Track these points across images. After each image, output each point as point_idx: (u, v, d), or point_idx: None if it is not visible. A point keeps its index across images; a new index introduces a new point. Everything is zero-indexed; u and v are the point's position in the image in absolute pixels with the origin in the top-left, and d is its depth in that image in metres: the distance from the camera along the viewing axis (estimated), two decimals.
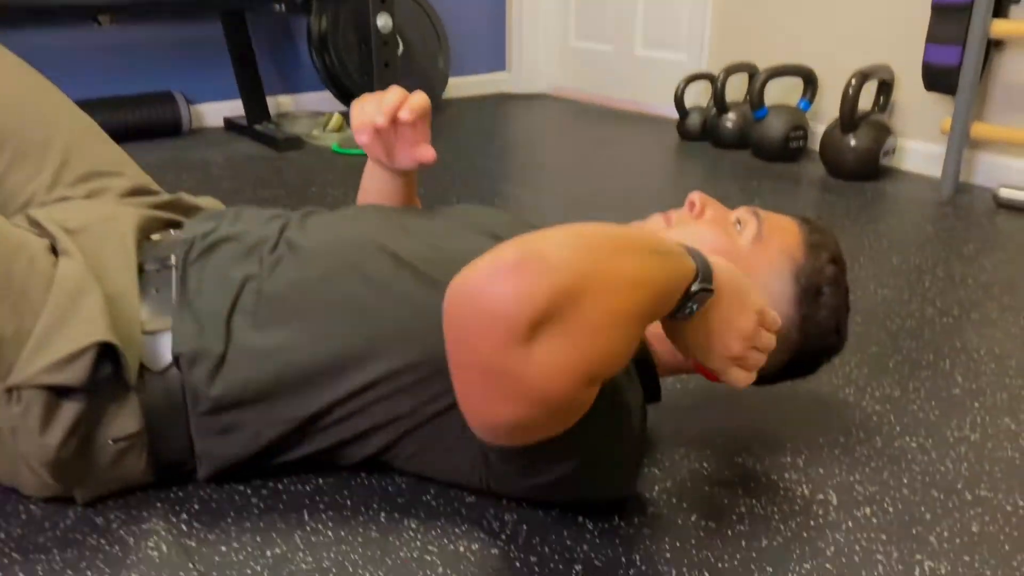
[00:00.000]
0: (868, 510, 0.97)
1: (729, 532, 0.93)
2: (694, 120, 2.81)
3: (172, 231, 1.07)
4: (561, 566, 0.87)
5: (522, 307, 0.64)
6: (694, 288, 0.76)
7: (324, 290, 0.93)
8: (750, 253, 0.98)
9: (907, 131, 2.51)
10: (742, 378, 0.84)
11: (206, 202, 1.18)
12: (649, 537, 0.92)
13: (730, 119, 2.69)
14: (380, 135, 1.05)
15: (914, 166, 2.50)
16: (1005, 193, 2.15)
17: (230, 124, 2.77)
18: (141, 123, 2.57)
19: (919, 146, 2.48)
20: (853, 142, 2.34)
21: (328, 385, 0.90)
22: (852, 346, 1.38)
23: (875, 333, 1.43)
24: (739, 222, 1.01)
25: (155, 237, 1.05)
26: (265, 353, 0.91)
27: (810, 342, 1.01)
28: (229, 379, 0.90)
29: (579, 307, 0.66)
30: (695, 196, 1.01)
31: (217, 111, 2.83)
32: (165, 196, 1.15)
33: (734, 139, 2.69)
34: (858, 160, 2.35)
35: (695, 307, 0.77)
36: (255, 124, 2.64)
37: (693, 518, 0.95)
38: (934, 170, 2.41)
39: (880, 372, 1.30)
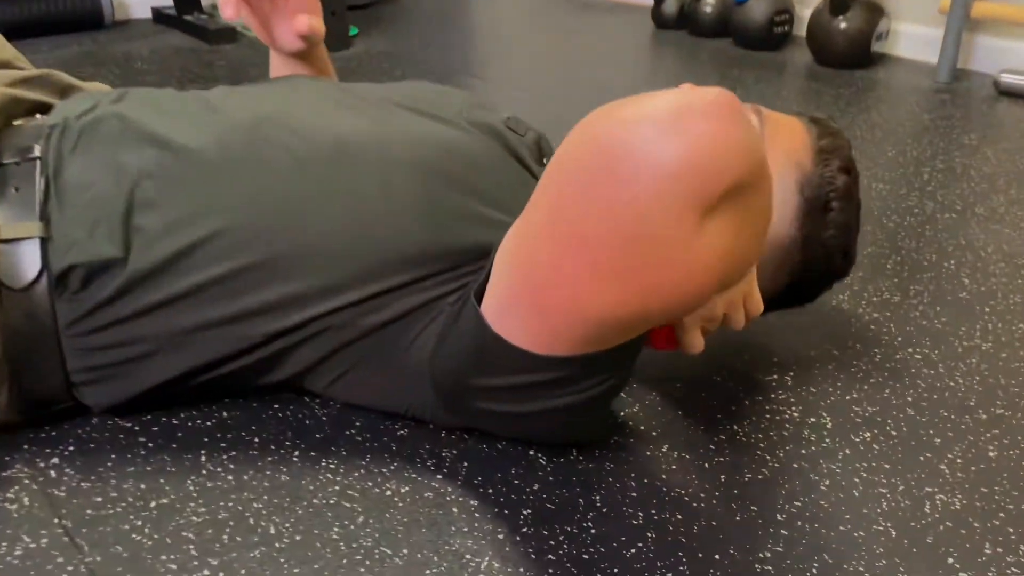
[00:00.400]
0: (868, 435, 0.83)
1: (706, 465, 0.79)
2: (670, 6, 2.58)
3: (39, 116, 0.87)
4: (507, 511, 0.72)
5: (724, 168, 0.53)
6: None
7: (245, 179, 0.75)
8: None
9: (901, 13, 2.31)
10: (699, 344, 0.73)
11: (91, 87, 0.98)
12: (612, 473, 0.77)
13: (709, 4, 2.46)
14: (251, 7, 0.86)
15: (909, 51, 2.31)
16: (1007, 79, 1.97)
17: (159, 16, 2.50)
18: (57, 15, 2.29)
19: (914, 29, 2.29)
20: (843, 26, 2.14)
21: (249, 292, 0.74)
22: None
23: (871, 232, 1.27)
24: None
25: (17, 123, 0.85)
26: (172, 257, 0.73)
27: (813, 265, 0.86)
28: (127, 290, 0.73)
29: (756, 194, 0.57)
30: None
31: (144, 2, 2.56)
32: (31, 71, 0.94)
33: (713, 26, 2.47)
34: (848, 45, 2.15)
35: None
36: (185, 15, 2.39)
37: (664, 449, 0.81)
38: (930, 56, 2.22)
39: (877, 275, 1.15)
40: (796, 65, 2.23)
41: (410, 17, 2.76)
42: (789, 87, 2.04)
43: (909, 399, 0.89)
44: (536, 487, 0.75)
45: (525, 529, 0.70)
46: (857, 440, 0.83)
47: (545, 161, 0.88)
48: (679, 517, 0.72)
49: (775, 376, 0.92)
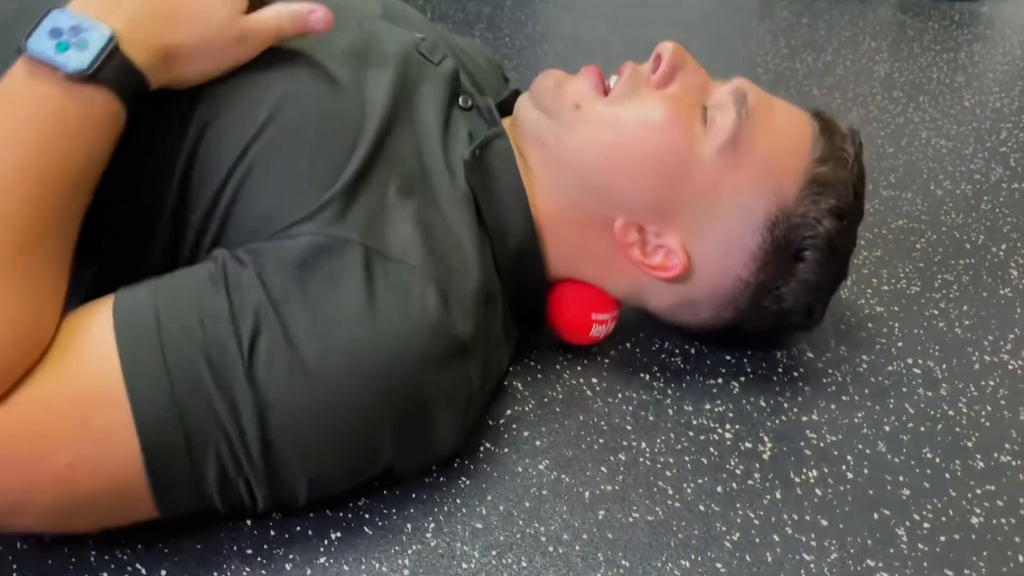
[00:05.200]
0: (814, 473, 0.64)
1: (587, 494, 0.61)
2: None
3: None
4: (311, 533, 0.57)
5: None
6: None
7: None
8: (712, 167, 0.64)
9: None
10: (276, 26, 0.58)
11: None
12: (465, 491, 0.61)
13: None
14: None
15: None
16: None
17: None
18: None
19: None
20: None
21: None
22: (871, 216, 1.00)
23: (909, 199, 1.03)
24: (712, 110, 0.65)
25: None
26: None
27: (762, 316, 0.69)
28: None
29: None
30: (666, 49, 0.65)
31: None
32: None
33: None
34: None
35: None
36: None
37: (542, 466, 0.64)
38: None
39: (899, 256, 0.92)
40: None
41: None
42: (869, 20, 1.73)
43: (886, 428, 0.69)
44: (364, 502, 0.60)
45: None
46: (797, 480, 0.64)
47: (461, 100, 0.69)
48: (524, 565, 0.56)
49: (718, 380, 0.73)
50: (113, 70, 0.50)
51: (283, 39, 0.58)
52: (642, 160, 0.64)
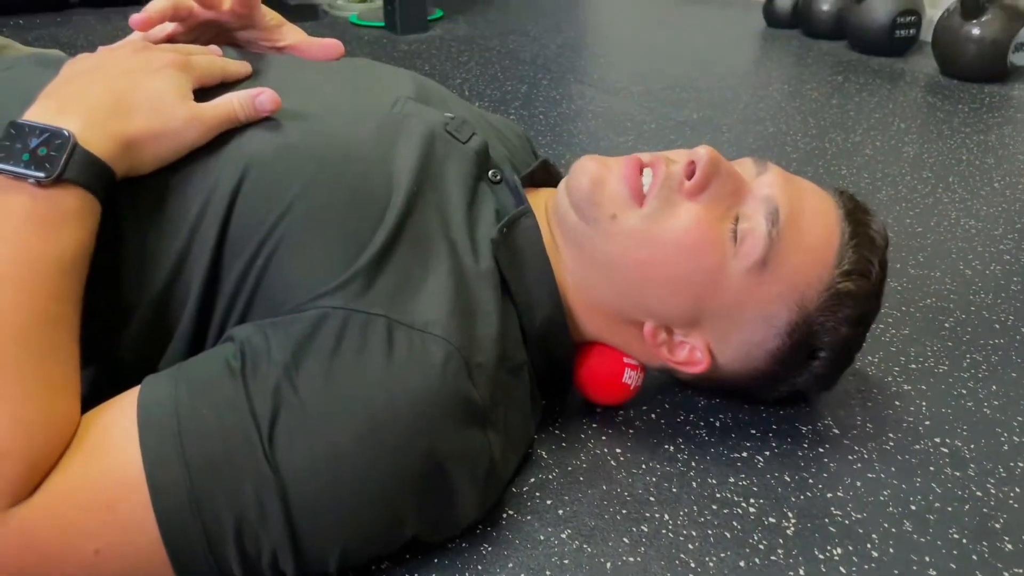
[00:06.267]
0: (839, 551, 0.64)
1: (608, 565, 0.61)
2: (784, 2, 2.32)
3: None
4: None
5: None
6: None
7: None
8: (740, 284, 0.66)
9: None
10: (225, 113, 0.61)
11: (38, 51, 0.90)
12: (487, 557, 0.61)
13: (827, 0, 2.20)
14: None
15: None
16: None
17: None
18: None
19: None
20: (976, 32, 1.83)
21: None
22: (899, 294, 1.00)
23: (937, 278, 1.04)
24: (743, 223, 0.66)
25: None
26: None
27: (767, 393, 0.76)
28: None
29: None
30: (701, 156, 0.65)
31: None
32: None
33: (830, 25, 2.20)
34: (980, 55, 1.84)
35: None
36: None
37: (564, 535, 0.64)
38: None
39: (928, 334, 0.92)
40: (916, 74, 1.94)
41: (507, 5, 2.63)
42: (900, 100, 1.76)
43: (912, 507, 0.68)
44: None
45: None
46: (821, 557, 0.63)
47: (491, 173, 0.72)
48: None
49: (743, 454, 0.73)
50: (78, 168, 0.53)
51: (237, 123, 0.61)
52: (674, 279, 0.66)
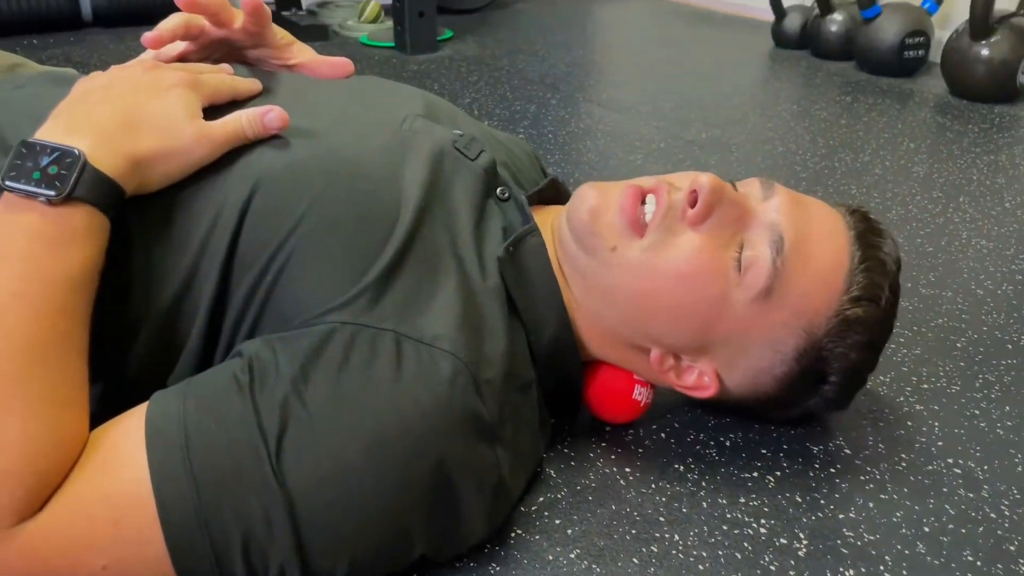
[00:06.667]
0: (851, 572, 0.63)
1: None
2: (792, 22, 2.33)
3: None
4: None
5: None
6: None
7: None
8: (745, 313, 0.65)
9: None
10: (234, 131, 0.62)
11: (50, 69, 0.91)
12: None
13: (835, 21, 2.20)
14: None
15: None
16: None
17: None
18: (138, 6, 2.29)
19: None
20: (985, 52, 1.84)
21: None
22: (910, 314, 1.00)
23: (949, 298, 1.03)
24: (747, 251, 0.64)
25: None
26: None
27: (776, 413, 0.76)
28: None
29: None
30: (703, 184, 0.64)
31: None
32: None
33: (838, 46, 2.20)
34: (990, 76, 1.84)
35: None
36: (283, 11, 2.38)
37: (572, 555, 0.63)
38: None
39: (940, 354, 0.91)
40: (925, 95, 1.94)
41: (517, 25, 2.65)
42: (908, 120, 1.76)
43: (925, 529, 0.67)
44: None
45: None
46: None
47: (499, 191, 0.72)
48: None
49: (754, 474, 0.73)
50: (88, 186, 0.53)
51: (245, 140, 0.61)
52: (676, 308, 0.65)
